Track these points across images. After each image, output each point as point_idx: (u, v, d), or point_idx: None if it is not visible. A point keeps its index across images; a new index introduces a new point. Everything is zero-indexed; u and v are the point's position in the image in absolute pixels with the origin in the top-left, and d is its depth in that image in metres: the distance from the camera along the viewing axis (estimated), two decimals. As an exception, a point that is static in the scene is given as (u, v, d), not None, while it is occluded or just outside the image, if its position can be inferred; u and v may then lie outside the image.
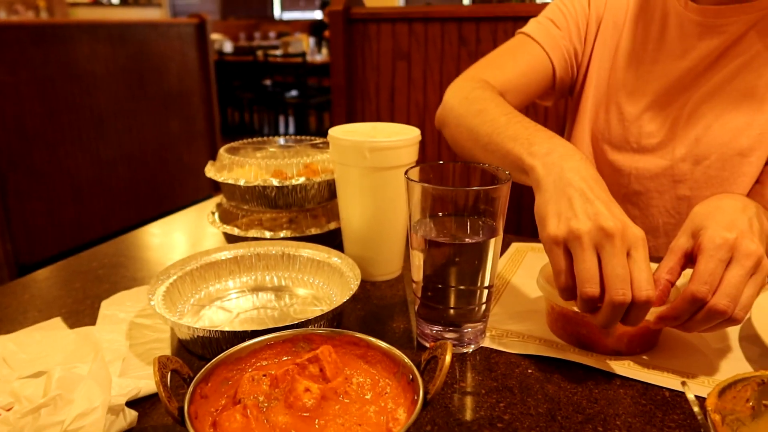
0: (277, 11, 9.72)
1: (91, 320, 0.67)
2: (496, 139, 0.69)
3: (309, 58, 5.62)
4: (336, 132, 0.73)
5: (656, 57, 0.87)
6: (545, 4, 1.01)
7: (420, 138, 0.72)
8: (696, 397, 0.45)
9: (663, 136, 0.87)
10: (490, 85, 0.87)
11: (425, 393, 0.42)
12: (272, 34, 8.06)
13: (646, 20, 0.89)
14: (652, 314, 0.55)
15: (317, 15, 8.34)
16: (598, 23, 0.93)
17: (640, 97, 0.89)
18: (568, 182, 0.56)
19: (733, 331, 0.63)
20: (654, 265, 0.61)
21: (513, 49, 0.95)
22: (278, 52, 5.80)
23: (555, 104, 1.26)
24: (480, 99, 0.80)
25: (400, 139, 0.70)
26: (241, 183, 0.81)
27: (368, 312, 0.69)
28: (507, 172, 0.57)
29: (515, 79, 0.91)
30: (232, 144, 0.93)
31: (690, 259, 0.57)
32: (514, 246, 0.87)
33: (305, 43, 6.32)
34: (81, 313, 0.69)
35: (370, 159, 0.69)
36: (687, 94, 0.85)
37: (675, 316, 0.54)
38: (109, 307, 0.68)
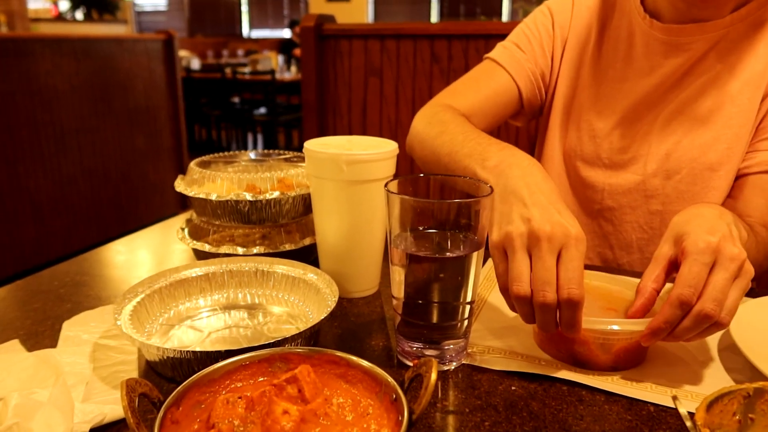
0: (245, 29, 9.71)
1: (52, 342, 0.63)
2: (455, 158, 0.71)
3: (278, 76, 5.61)
4: (312, 145, 0.71)
5: (624, 74, 0.89)
6: (516, 22, 1.02)
7: (398, 151, 0.71)
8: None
9: (634, 151, 0.89)
10: (454, 108, 0.88)
11: (410, 413, 0.40)
12: (240, 52, 8.03)
13: (612, 39, 0.91)
14: (641, 325, 0.55)
15: (286, 33, 8.35)
16: (564, 44, 0.95)
17: (610, 114, 0.90)
18: (511, 190, 0.59)
19: (713, 341, 0.63)
20: (635, 280, 0.62)
21: (478, 75, 0.97)
22: (246, 70, 5.76)
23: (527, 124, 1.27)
24: (441, 121, 0.82)
25: (378, 152, 0.69)
26: (213, 197, 0.78)
27: (346, 330, 0.67)
28: (489, 185, 0.56)
29: (479, 103, 0.93)
30: (203, 158, 0.91)
31: (674, 267, 0.57)
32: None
33: (274, 61, 6.31)
34: (41, 334, 0.65)
35: (347, 172, 0.68)
36: (656, 110, 0.87)
37: (665, 321, 0.53)
38: (71, 328, 0.65)
